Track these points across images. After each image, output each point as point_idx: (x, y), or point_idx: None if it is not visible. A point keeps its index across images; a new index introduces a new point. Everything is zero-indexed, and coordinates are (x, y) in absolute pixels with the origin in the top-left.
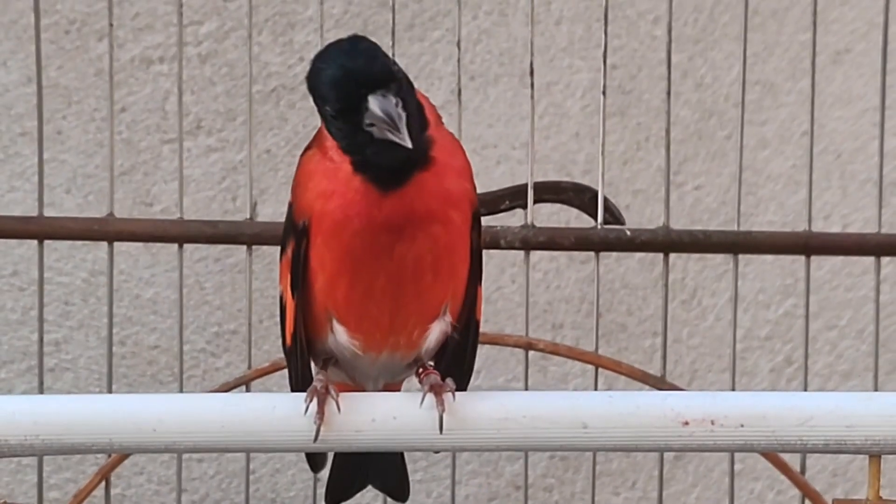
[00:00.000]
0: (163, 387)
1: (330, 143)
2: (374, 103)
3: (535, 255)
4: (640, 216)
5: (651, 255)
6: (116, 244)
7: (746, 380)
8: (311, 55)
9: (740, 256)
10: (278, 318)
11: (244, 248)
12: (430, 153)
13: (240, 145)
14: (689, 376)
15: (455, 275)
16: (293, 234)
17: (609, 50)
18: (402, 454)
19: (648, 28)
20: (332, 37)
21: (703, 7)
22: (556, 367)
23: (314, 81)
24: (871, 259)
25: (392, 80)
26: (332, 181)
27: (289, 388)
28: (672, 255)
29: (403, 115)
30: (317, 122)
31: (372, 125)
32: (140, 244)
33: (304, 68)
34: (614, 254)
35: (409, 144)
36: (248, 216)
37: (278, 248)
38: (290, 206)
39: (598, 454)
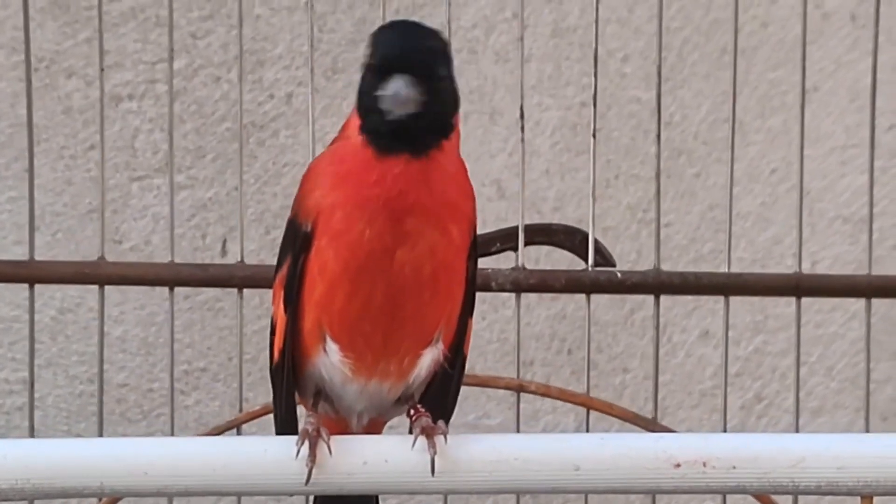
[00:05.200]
0: (131, 425)
1: (352, 117)
2: (395, 82)
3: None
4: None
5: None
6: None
7: (717, 416)
8: (281, 93)
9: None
10: (266, 349)
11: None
12: (430, 151)
13: (209, 183)
14: (659, 413)
15: (451, 297)
16: (291, 248)
17: (578, 88)
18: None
19: (618, 66)
20: (301, 75)
21: (672, 46)
22: (527, 403)
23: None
24: (839, 297)
25: (432, 65)
26: (341, 165)
27: None
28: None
29: (419, 100)
30: (286, 159)
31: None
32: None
33: (273, 105)
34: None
35: (407, 110)
36: (218, 253)
37: (269, 291)
38: (291, 220)
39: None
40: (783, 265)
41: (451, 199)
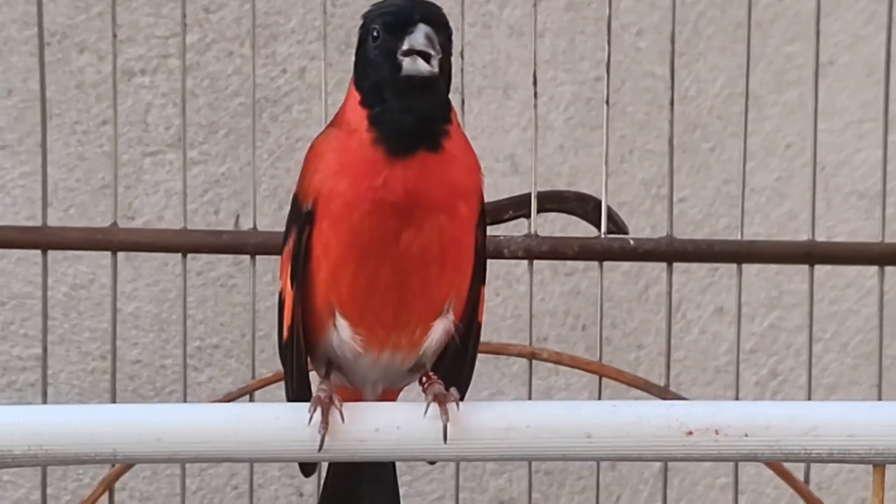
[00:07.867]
0: (144, 402)
1: (352, 105)
2: (421, 29)
3: (519, 268)
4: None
5: (635, 268)
6: (97, 257)
7: (731, 393)
8: (294, 67)
9: (723, 267)
10: (276, 324)
11: (227, 261)
12: (442, 142)
13: (222, 158)
14: (673, 389)
15: (460, 269)
16: (296, 223)
17: (592, 62)
18: (395, 476)
19: (632, 40)
20: (314, 49)
21: (687, 20)
22: (541, 380)
23: (375, 5)
24: (854, 271)
25: (444, 28)
26: (344, 155)
27: None
28: (655, 268)
29: (439, 54)
30: (299, 134)
31: (408, 53)
32: (121, 257)
33: (286, 80)
34: (597, 267)
35: (434, 69)
36: (230, 230)
37: (278, 258)
38: (295, 196)
39: (581, 469)
40: (800, 239)
41: (461, 182)
